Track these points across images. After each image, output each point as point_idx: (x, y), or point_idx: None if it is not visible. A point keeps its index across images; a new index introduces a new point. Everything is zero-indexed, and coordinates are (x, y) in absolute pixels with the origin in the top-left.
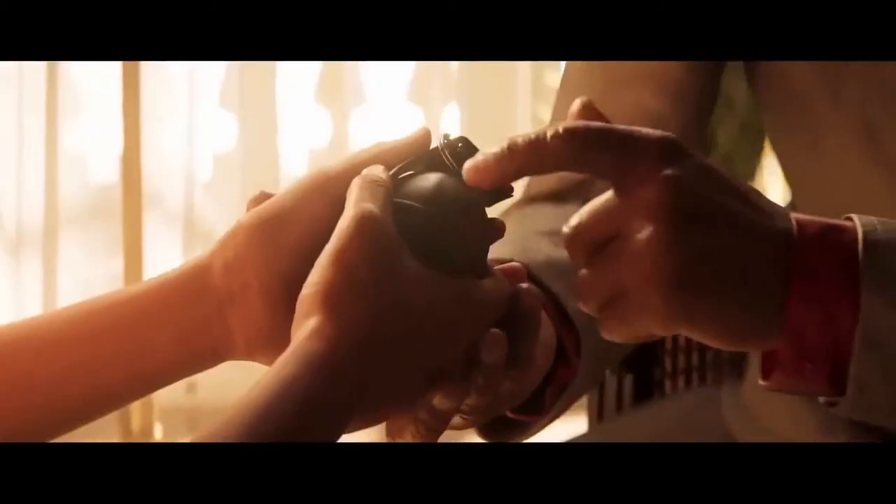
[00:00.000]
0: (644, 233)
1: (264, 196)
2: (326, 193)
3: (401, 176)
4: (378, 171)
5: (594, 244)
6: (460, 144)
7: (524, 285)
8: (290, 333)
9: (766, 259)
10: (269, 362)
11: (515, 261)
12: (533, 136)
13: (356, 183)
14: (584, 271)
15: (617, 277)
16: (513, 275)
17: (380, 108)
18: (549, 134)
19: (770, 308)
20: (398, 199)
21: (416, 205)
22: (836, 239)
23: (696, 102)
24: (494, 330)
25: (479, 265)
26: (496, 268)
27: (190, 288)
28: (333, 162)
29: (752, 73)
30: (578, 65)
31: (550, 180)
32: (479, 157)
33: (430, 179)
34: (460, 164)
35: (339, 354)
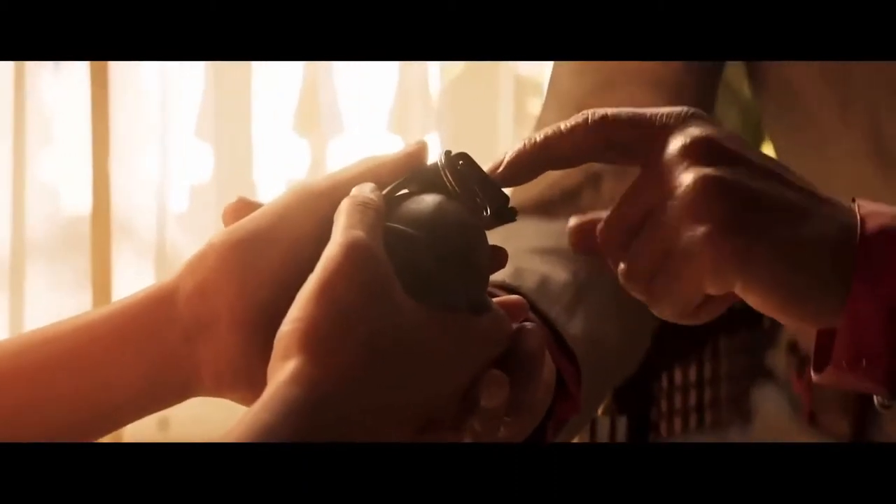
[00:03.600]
0: (686, 189)
1: (244, 204)
2: (311, 212)
3: (395, 195)
4: (369, 190)
5: (632, 230)
6: (461, 162)
7: (527, 324)
8: (265, 369)
9: (827, 224)
10: (241, 400)
11: (508, 283)
12: (559, 127)
13: (345, 205)
14: (628, 254)
15: (662, 240)
16: (514, 310)
17: (358, 137)
18: (577, 122)
19: (830, 274)
20: (391, 224)
21: (412, 231)
22: None
23: (694, 101)
24: (495, 371)
25: (478, 300)
26: (496, 300)
27: (152, 315)
28: (318, 177)
29: (755, 78)
30: (567, 66)
31: (536, 187)
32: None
33: (427, 202)
34: (461, 185)
35: (321, 402)
